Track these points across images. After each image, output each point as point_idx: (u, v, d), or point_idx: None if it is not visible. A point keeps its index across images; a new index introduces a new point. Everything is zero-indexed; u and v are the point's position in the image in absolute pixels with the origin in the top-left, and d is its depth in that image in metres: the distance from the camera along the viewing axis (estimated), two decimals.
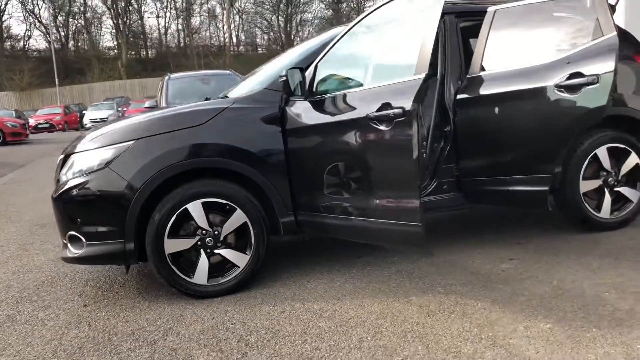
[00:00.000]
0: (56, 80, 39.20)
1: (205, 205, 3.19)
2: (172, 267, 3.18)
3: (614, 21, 3.27)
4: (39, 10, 49.66)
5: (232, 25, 52.97)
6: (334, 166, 3.23)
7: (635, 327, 2.49)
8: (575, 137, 3.52)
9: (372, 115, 2.90)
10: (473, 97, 3.66)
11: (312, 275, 3.50)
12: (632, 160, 3.84)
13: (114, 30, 50.94)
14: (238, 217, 3.24)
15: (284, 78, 3.26)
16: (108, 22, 51.48)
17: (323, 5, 54.23)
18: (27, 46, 49.81)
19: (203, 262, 3.21)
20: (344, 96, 3.20)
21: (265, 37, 55.88)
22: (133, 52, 51.57)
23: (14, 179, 10.19)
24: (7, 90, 41.74)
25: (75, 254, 3.22)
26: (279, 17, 53.48)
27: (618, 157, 3.83)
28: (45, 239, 5.11)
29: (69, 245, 3.27)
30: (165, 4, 52.06)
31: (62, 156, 3.51)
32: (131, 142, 3.17)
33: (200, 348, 2.63)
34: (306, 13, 54.26)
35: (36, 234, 5.36)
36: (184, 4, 51.90)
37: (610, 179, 3.83)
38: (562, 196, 3.71)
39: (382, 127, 2.88)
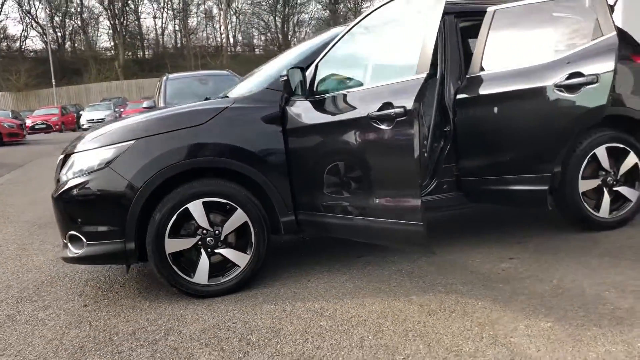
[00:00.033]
0: (53, 80, 39.10)
1: (205, 205, 3.19)
2: (173, 266, 3.18)
3: (613, 21, 3.29)
4: (36, 10, 49.47)
5: (229, 26, 53.00)
6: (334, 165, 3.24)
7: (635, 325, 2.50)
8: (574, 136, 3.53)
9: (374, 114, 2.91)
10: (473, 97, 3.67)
11: (313, 275, 3.51)
12: (630, 159, 3.86)
13: (110, 31, 50.88)
14: (239, 217, 3.24)
15: (285, 78, 3.27)
16: (105, 23, 51.45)
17: (320, 6, 54.29)
18: (23, 47, 49.71)
19: (204, 262, 3.21)
20: (345, 96, 3.21)
21: (263, 37, 55.91)
22: (130, 53, 51.48)
23: (12, 180, 10.16)
24: (3, 90, 41.64)
25: (76, 253, 3.22)
26: (276, 18, 53.49)
27: (617, 156, 3.84)
28: (44, 239, 5.10)
29: (69, 245, 3.26)
30: (162, 4, 52.03)
31: (62, 156, 3.50)
32: (132, 142, 3.17)
33: (202, 347, 2.63)
34: (303, 14, 54.33)
35: (35, 234, 5.35)
36: (180, 5, 51.88)
37: (609, 178, 3.84)
38: (561, 196, 3.72)
39: (383, 127, 2.88)
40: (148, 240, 3.14)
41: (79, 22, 50.84)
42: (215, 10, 53.34)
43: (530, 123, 3.49)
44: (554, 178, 3.53)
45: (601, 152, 3.78)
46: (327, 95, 3.29)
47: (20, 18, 49.40)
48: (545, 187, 3.48)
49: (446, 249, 3.75)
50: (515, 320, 2.64)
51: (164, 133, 3.21)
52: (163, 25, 53.18)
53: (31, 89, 42.00)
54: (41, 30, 48.67)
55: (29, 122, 28.10)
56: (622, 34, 3.79)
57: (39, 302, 3.43)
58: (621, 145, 3.83)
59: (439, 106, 3.78)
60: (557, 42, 3.50)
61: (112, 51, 50.72)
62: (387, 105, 2.85)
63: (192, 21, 53.74)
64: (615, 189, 3.85)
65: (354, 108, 3.10)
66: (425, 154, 3.65)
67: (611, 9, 3.40)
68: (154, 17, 54.38)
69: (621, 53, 3.33)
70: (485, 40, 3.71)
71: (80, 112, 32.12)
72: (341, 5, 53.67)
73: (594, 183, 3.82)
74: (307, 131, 3.33)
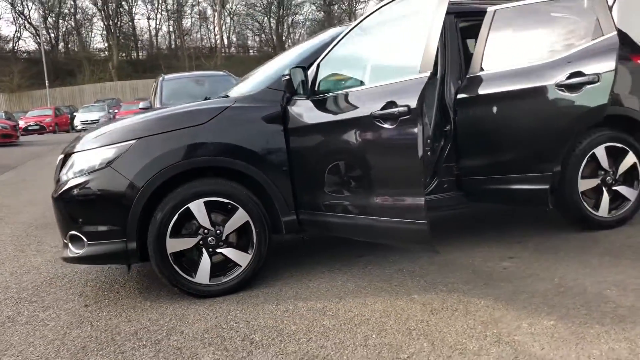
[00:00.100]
0: (46, 82, 38.96)
1: (207, 205, 3.18)
2: (174, 266, 3.17)
3: (613, 21, 3.31)
4: (29, 11, 49.26)
5: (224, 27, 52.94)
6: (336, 165, 3.24)
7: (638, 323, 2.51)
8: (575, 136, 3.55)
9: (377, 113, 2.91)
10: (473, 97, 3.69)
11: (314, 275, 3.51)
12: (629, 159, 3.88)
13: (104, 32, 50.71)
14: (240, 216, 3.24)
15: (287, 77, 3.27)
16: (99, 24, 51.25)
17: (314, 8, 54.36)
18: (16, 47, 49.47)
19: (205, 262, 3.20)
20: (347, 95, 3.21)
21: (257, 39, 55.89)
22: (124, 54, 51.33)
23: (6, 181, 10.11)
24: None
25: (77, 253, 3.20)
26: (271, 19, 53.48)
27: (616, 156, 3.86)
28: (42, 240, 5.07)
29: (69, 245, 3.25)
30: (156, 5, 51.92)
31: (61, 156, 3.49)
32: (133, 142, 3.16)
33: (205, 347, 2.62)
34: (298, 15, 54.37)
35: (32, 235, 5.32)
36: (175, 6, 51.77)
37: (608, 178, 3.86)
38: (560, 195, 3.74)
39: (386, 126, 2.89)
40: (149, 240, 3.13)
41: (73, 23, 50.70)
42: (209, 12, 53.37)
43: (531, 122, 3.50)
44: (555, 177, 3.54)
45: (600, 151, 3.80)
46: (328, 94, 3.29)
47: (13, 19, 49.11)
48: (546, 187, 3.49)
49: (446, 249, 3.75)
50: (518, 319, 2.65)
51: (166, 132, 3.20)
52: (157, 26, 53.13)
53: (24, 90, 41.82)
54: (34, 31, 48.48)
55: (22, 124, 27.95)
56: (620, 34, 3.80)
57: (38, 302, 3.42)
58: (620, 145, 3.85)
59: (440, 106, 3.79)
60: (558, 42, 3.51)
61: (106, 52, 50.56)
62: (391, 104, 2.86)
63: (186, 22, 53.70)
64: (614, 188, 3.87)
65: (357, 107, 3.11)
66: (429, 153, 3.65)
67: (609, 9, 3.42)
68: (148, 18, 54.41)
69: (620, 53, 3.34)
70: (486, 40, 3.72)
71: (74, 114, 32.02)
72: (335, 7, 53.80)
73: (593, 182, 3.83)
74: (309, 130, 3.33)
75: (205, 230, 3.20)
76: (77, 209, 3.20)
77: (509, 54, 3.67)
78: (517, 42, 3.70)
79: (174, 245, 3.15)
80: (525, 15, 3.69)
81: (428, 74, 2.72)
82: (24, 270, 4.14)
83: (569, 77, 3.37)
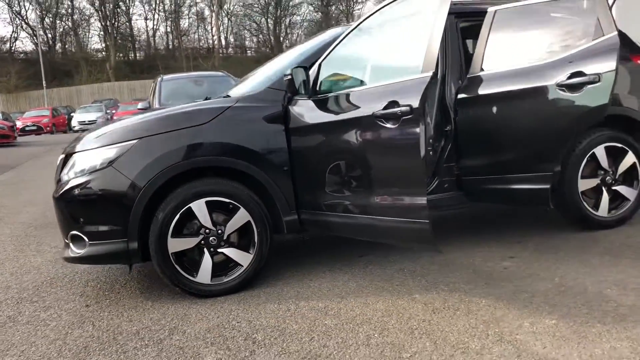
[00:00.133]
0: (43, 82, 38.90)
1: (208, 204, 3.18)
2: (176, 266, 3.17)
3: (614, 21, 3.32)
4: (26, 12, 49.15)
5: (221, 28, 52.91)
6: (338, 164, 3.24)
7: (639, 322, 2.51)
8: (575, 136, 3.56)
9: (379, 113, 2.92)
10: (474, 97, 3.70)
11: (315, 274, 3.51)
12: (629, 159, 3.89)
13: (102, 33, 50.61)
14: (241, 216, 3.24)
15: (289, 77, 3.27)
16: (96, 24, 51.17)
17: (312, 8, 54.38)
18: (13, 48, 49.33)
19: (206, 261, 3.20)
20: (349, 95, 3.22)
21: (255, 39, 55.88)
22: (121, 55, 51.26)
23: (4, 181, 10.08)
24: None
25: (78, 253, 3.20)
26: (268, 20, 53.48)
27: (615, 156, 3.88)
28: (41, 240, 5.07)
29: (71, 245, 3.25)
30: (154, 6, 51.85)
31: (62, 156, 3.48)
32: (135, 141, 3.16)
33: (207, 346, 2.63)
34: (295, 16, 54.36)
35: (31, 235, 5.31)
36: (172, 7, 51.73)
37: (607, 177, 3.87)
38: (560, 195, 3.75)
39: (388, 125, 2.89)
40: (151, 240, 3.13)
41: (70, 24, 50.58)
42: (207, 12, 53.31)
43: (532, 122, 3.52)
44: (555, 177, 3.56)
45: (600, 151, 3.81)
46: (330, 94, 3.30)
47: (10, 19, 48.93)
48: (547, 186, 3.51)
49: (447, 248, 3.76)
50: (519, 318, 2.65)
51: (167, 132, 3.20)
52: (154, 26, 53.04)
53: (21, 91, 41.75)
54: (31, 32, 48.35)
55: (19, 124, 27.92)
56: (620, 34, 3.82)
57: (39, 302, 3.41)
58: (620, 145, 3.86)
59: (440, 106, 3.80)
60: (558, 42, 3.53)
61: (104, 53, 50.49)
62: (393, 104, 2.86)
63: (184, 23, 53.64)
64: (614, 188, 3.88)
65: (358, 107, 3.11)
66: (431, 152, 3.66)
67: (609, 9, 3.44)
68: (146, 19, 54.07)
69: (620, 53, 3.36)
70: (486, 40, 3.73)
71: (72, 114, 31.97)
72: (333, 8, 53.80)
73: (593, 182, 3.84)
74: (311, 130, 3.34)
75: (207, 230, 3.20)
76: (78, 208, 3.20)
77: (510, 54, 3.68)
78: (518, 42, 3.72)
79: (175, 245, 3.16)
80: (526, 15, 3.71)
81: (430, 73, 2.72)
82: (24, 270, 4.14)
83: (569, 77, 3.39)
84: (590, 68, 3.32)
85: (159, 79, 9.33)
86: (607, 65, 3.28)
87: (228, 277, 3.26)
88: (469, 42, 4.04)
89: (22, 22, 49.14)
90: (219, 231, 3.21)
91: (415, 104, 2.74)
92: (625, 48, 3.92)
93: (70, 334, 2.89)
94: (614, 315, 2.60)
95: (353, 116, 3.12)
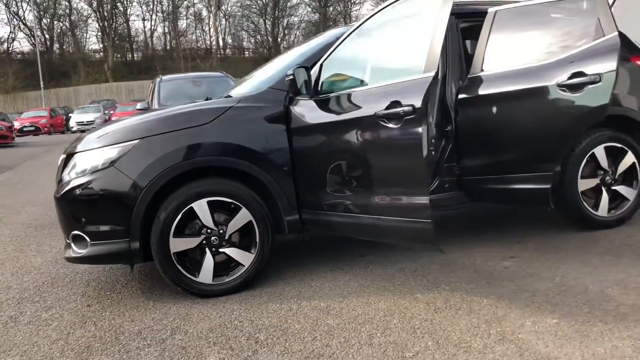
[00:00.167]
0: (41, 83, 38.82)
1: (210, 204, 3.19)
2: (178, 266, 3.17)
3: (614, 21, 3.34)
4: (24, 12, 49.17)
5: (219, 29, 52.88)
6: (340, 164, 3.25)
7: None
8: (576, 135, 3.57)
9: (381, 113, 2.93)
10: (475, 97, 3.71)
11: (316, 274, 3.52)
12: (628, 159, 3.90)
13: (99, 33, 50.59)
14: (243, 216, 3.24)
15: (291, 77, 3.27)
16: (94, 25, 51.14)
17: (310, 9, 54.44)
18: (11, 49, 49.24)
19: (208, 261, 3.21)
20: (351, 95, 3.23)
21: (252, 40, 55.89)
22: (119, 55, 51.21)
23: (3, 182, 10.07)
24: None
25: (79, 253, 3.20)
26: (266, 21, 53.52)
27: (615, 156, 3.89)
28: (41, 240, 5.06)
29: (72, 245, 3.24)
30: (152, 6, 51.84)
31: (63, 156, 3.48)
32: (136, 141, 3.16)
33: (210, 346, 2.63)
34: (293, 17, 54.41)
35: (31, 235, 5.30)
36: (170, 7, 51.73)
37: (607, 177, 3.88)
38: (560, 195, 3.76)
39: (390, 125, 2.90)
40: (153, 240, 3.14)
41: (68, 24, 50.54)
42: (204, 13, 53.34)
43: (533, 122, 3.53)
44: (556, 177, 3.57)
45: (600, 151, 3.82)
46: (332, 94, 3.31)
47: (8, 20, 48.87)
48: (548, 186, 3.52)
49: (447, 248, 3.76)
50: (521, 317, 2.66)
51: (169, 132, 3.20)
52: (152, 27, 53.22)
53: (19, 91, 41.67)
54: (29, 32, 48.29)
55: (17, 125, 27.84)
56: (620, 35, 3.83)
57: (40, 302, 3.41)
58: (619, 145, 3.88)
59: (441, 106, 3.81)
60: (559, 43, 3.54)
61: (101, 53, 50.45)
62: (395, 104, 2.87)
63: (182, 23, 53.67)
64: (613, 188, 3.90)
65: (360, 107, 3.12)
66: (433, 152, 3.67)
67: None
68: (143, 20, 54.30)
69: (620, 54, 3.37)
70: (487, 41, 3.74)
71: (70, 115, 31.93)
72: (331, 9, 53.85)
73: (592, 182, 3.86)
74: (312, 130, 3.35)
75: (209, 230, 3.20)
76: (80, 208, 3.20)
77: (510, 54, 3.69)
78: (518, 42, 3.73)
79: (177, 245, 3.16)
80: (526, 16, 3.72)
81: (433, 73, 2.73)
82: (24, 270, 4.13)
83: (570, 77, 3.40)
84: (591, 68, 3.34)
85: (158, 79, 9.33)
86: (607, 66, 3.30)
87: (230, 277, 3.26)
88: (470, 43, 4.05)
89: (20, 23, 49.14)
90: (221, 231, 3.22)
91: (418, 103, 2.75)
92: (625, 49, 3.93)
93: (72, 334, 2.89)
94: (615, 315, 2.61)
95: (355, 116, 3.13)
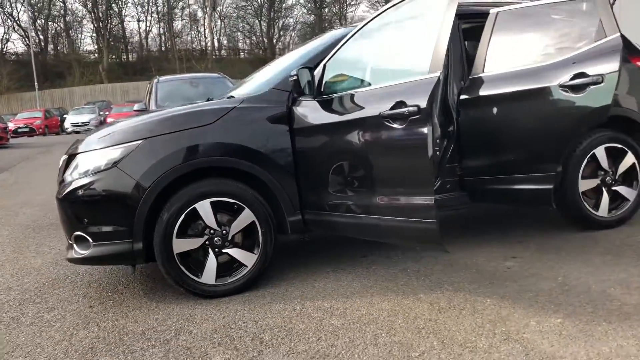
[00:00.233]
0: (35, 84, 38.64)
1: (213, 205, 3.18)
2: (181, 266, 3.16)
3: (616, 22, 3.36)
4: (18, 13, 48.88)
5: (214, 30, 52.82)
6: (343, 165, 3.25)
7: None
8: (576, 136, 3.59)
9: (386, 113, 2.93)
10: (477, 98, 3.72)
11: (319, 275, 3.52)
12: (628, 159, 3.93)
13: (94, 34, 50.42)
14: (246, 217, 3.24)
15: (295, 77, 3.27)
16: (88, 26, 50.95)
17: (305, 11, 54.44)
18: (5, 49, 49.02)
19: (211, 262, 3.20)
20: (354, 95, 3.23)
21: (248, 41, 55.85)
22: (114, 56, 51.06)
23: None
24: None
25: (82, 254, 3.19)
26: (262, 22, 53.48)
27: (615, 156, 3.91)
28: (40, 241, 5.04)
29: (74, 245, 3.23)
30: (147, 7, 51.73)
31: (65, 157, 3.47)
32: (139, 142, 3.15)
33: (215, 347, 2.62)
34: (288, 18, 54.38)
35: (30, 237, 5.28)
36: (165, 8, 51.62)
37: (607, 178, 3.90)
38: (561, 195, 3.77)
39: (395, 125, 2.90)
40: (156, 241, 3.13)
41: (62, 25, 50.34)
42: (200, 14, 53.23)
43: (535, 123, 3.55)
44: (558, 177, 3.59)
45: (600, 152, 3.84)
46: (335, 95, 3.31)
47: (2, 20, 48.63)
48: (550, 186, 3.53)
49: (450, 248, 3.75)
50: (525, 317, 2.67)
51: (172, 133, 3.20)
52: (147, 28, 52.91)
53: (13, 92, 41.46)
54: (23, 33, 48.04)
55: (11, 126, 27.70)
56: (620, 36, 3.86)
57: (42, 304, 3.40)
58: (619, 146, 3.90)
59: (442, 106, 3.81)
60: (561, 43, 3.56)
61: (96, 54, 50.28)
62: (400, 104, 2.87)
63: (177, 24, 53.52)
64: (613, 188, 3.92)
65: (364, 107, 3.12)
66: (438, 152, 3.68)
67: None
68: (138, 21, 54.22)
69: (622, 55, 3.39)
70: (488, 42, 3.76)
71: (64, 116, 31.80)
72: (326, 10, 53.88)
73: (593, 183, 3.88)
74: (315, 131, 3.35)
75: (212, 231, 3.20)
76: (82, 209, 3.19)
77: (512, 55, 3.71)
78: (520, 43, 3.74)
79: (180, 245, 3.15)
80: (528, 17, 3.73)
81: (438, 74, 2.74)
82: (24, 272, 4.11)
83: (572, 78, 3.42)
84: (593, 69, 3.36)
85: (155, 80, 9.32)
86: (610, 66, 3.32)
87: (232, 278, 3.26)
88: (470, 44, 4.05)
89: (14, 24, 48.89)
90: (224, 231, 3.21)
91: (423, 104, 2.75)
92: (625, 50, 3.95)
93: (76, 335, 2.88)
94: (619, 314, 2.62)
95: (359, 116, 3.13)
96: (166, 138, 3.18)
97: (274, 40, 53.58)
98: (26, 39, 46.95)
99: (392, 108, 2.91)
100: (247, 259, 3.27)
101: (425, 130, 2.75)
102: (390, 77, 3.15)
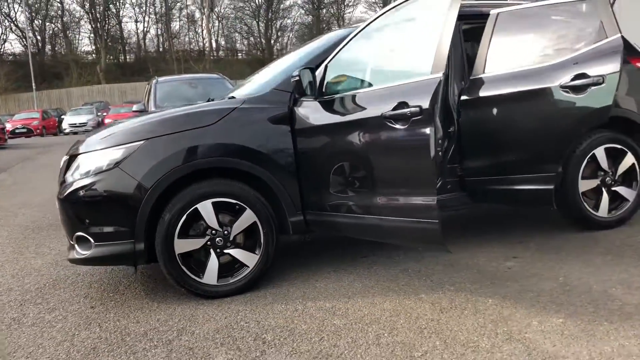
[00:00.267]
0: (33, 84, 38.56)
1: (215, 205, 3.18)
2: (182, 267, 3.16)
3: (617, 23, 3.37)
4: (15, 13, 48.82)
5: (212, 30, 52.77)
6: (345, 165, 3.25)
7: None
8: (577, 137, 3.60)
9: (388, 114, 2.94)
10: (477, 98, 3.73)
11: (320, 275, 3.52)
12: (628, 160, 3.94)
13: (92, 35, 50.32)
14: (248, 217, 3.24)
15: (297, 78, 3.27)
16: (86, 27, 50.83)
17: (303, 11, 54.44)
18: (2, 50, 48.90)
19: (213, 262, 3.21)
20: (357, 96, 3.24)
21: (245, 42, 55.82)
22: (112, 57, 50.97)
23: None
24: None
25: (83, 254, 3.19)
26: (259, 23, 53.45)
27: (615, 157, 3.92)
28: (40, 242, 5.03)
29: (76, 246, 3.23)
30: (144, 8, 51.66)
31: (66, 157, 3.46)
32: (141, 142, 3.16)
33: (217, 347, 2.63)
34: (286, 19, 54.36)
35: (29, 237, 5.27)
36: (163, 9, 51.57)
37: (607, 178, 3.92)
38: (562, 195, 3.78)
39: (397, 126, 2.91)
40: (157, 241, 3.13)
41: (60, 26, 50.20)
42: (197, 15, 53.16)
43: (536, 123, 3.56)
44: (559, 178, 3.60)
45: (600, 152, 3.85)
46: (337, 95, 3.32)
47: None
48: (551, 187, 3.54)
49: (450, 249, 3.76)
50: (527, 317, 2.68)
51: (174, 133, 3.20)
52: (145, 29, 52.84)
53: (10, 93, 41.36)
54: (21, 34, 47.96)
55: (9, 127, 27.63)
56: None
57: (43, 304, 3.39)
58: (619, 146, 3.91)
59: (443, 107, 3.82)
60: (561, 44, 3.57)
61: (94, 55, 50.19)
62: (402, 104, 2.88)
63: (175, 25, 53.45)
64: (613, 188, 3.93)
65: (366, 108, 3.13)
66: (440, 153, 3.68)
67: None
68: (136, 21, 54.07)
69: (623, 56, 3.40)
70: (489, 43, 3.76)
71: (62, 116, 31.74)
72: (324, 11, 53.89)
73: (593, 183, 3.89)
74: (317, 131, 3.35)
75: (213, 231, 3.20)
76: (84, 210, 3.18)
77: (512, 56, 3.72)
78: (521, 44, 3.75)
79: (182, 246, 3.15)
80: (528, 18, 3.74)
81: (440, 74, 2.74)
82: (24, 272, 4.11)
83: (573, 79, 3.44)
84: (594, 70, 3.37)
85: (154, 81, 9.31)
86: (611, 67, 3.34)
87: (234, 278, 3.26)
88: (472, 45, 4.06)
89: (11, 24, 48.76)
90: (225, 232, 3.22)
91: (426, 104, 2.76)
92: (625, 51, 3.97)
93: (78, 336, 2.88)
94: (620, 314, 2.63)
95: (361, 117, 3.13)
96: (168, 138, 3.19)
97: (272, 41, 53.59)
98: (23, 40, 46.85)
99: (394, 109, 2.92)
100: (249, 259, 3.27)
101: (427, 130, 2.76)
102: (392, 77, 3.15)
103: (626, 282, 3.01)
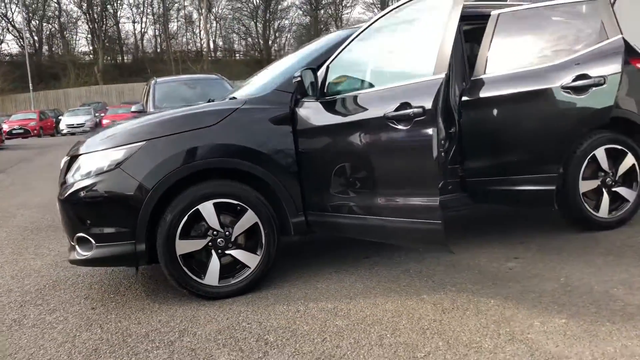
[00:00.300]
0: (30, 85, 38.47)
1: (216, 206, 3.18)
2: (184, 268, 3.16)
3: (618, 24, 3.37)
4: (12, 14, 48.63)
5: (210, 31, 52.74)
6: (347, 166, 3.25)
7: None
8: (577, 137, 3.61)
9: (390, 114, 2.94)
10: (478, 99, 3.73)
11: (321, 276, 3.51)
12: (628, 161, 3.94)
13: (89, 35, 50.26)
14: (249, 218, 3.24)
15: (298, 78, 3.27)
16: (83, 27, 50.74)
17: (301, 12, 54.47)
18: None
19: (214, 263, 3.20)
20: (359, 96, 3.24)
21: (243, 43, 55.82)
22: (109, 58, 50.90)
23: None
24: None
25: (84, 255, 3.18)
26: (257, 23, 53.45)
27: (615, 158, 3.93)
28: (39, 243, 5.02)
29: (77, 247, 3.22)
30: (142, 9, 51.61)
31: (66, 158, 3.46)
32: (143, 143, 3.15)
33: (220, 348, 2.62)
34: (284, 19, 54.39)
35: (29, 238, 5.26)
36: (160, 10, 51.52)
37: (608, 179, 3.92)
38: (562, 196, 3.78)
39: (400, 127, 2.91)
40: (159, 242, 3.12)
41: (57, 26, 50.12)
42: (195, 15, 53.12)
43: (537, 124, 3.56)
44: (560, 178, 3.60)
45: (600, 153, 3.86)
46: (338, 96, 3.31)
47: None
48: (553, 187, 3.55)
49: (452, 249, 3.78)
50: (529, 317, 2.68)
51: (176, 134, 3.19)
52: (143, 30, 52.79)
53: (7, 94, 41.27)
54: (17, 34, 47.85)
55: (6, 127, 27.56)
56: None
57: (44, 305, 3.38)
58: (619, 147, 3.92)
59: (444, 108, 3.82)
60: (562, 45, 3.57)
61: (91, 56, 50.13)
62: (405, 105, 2.88)
63: (173, 26, 53.38)
64: (613, 189, 3.93)
65: (368, 108, 3.13)
66: (443, 153, 3.68)
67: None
68: (134, 22, 53.94)
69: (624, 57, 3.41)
70: (490, 43, 3.77)
71: (59, 117, 31.69)
72: (322, 12, 53.92)
73: (593, 184, 3.89)
74: (319, 132, 3.35)
75: (215, 232, 3.19)
76: (85, 211, 3.18)
77: (514, 57, 3.72)
78: (522, 45, 3.76)
79: (183, 247, 3.15)
80: (529, 19, 3.75)
81: (443, 75, 2.75)
82: (24, 273, 4.10)
83: (575, 80, 3.44)
84: (596, 71, 3.38)
85: (153, 81, 9.30)
86: (612, 68, 3.34)
87: (235, 279, 3.25)
88: (472, 45, 4.07)
89: (8, 25, 48.63)
90: (227, 233, 3.21)
91: (428, 105, 2.76)
92: (625, 52, 3.98)
93: (79, 337, 2.87)
94: (622, 314, 2.64)
95: (363, 118, 3.13)
96: (169, 139, 3.18)
97: (270, 42, 53.61)
98: (20, 40, 46.83)
99: (396, 109, 2.92)
100: (250, 260, 3.27)
101: (430, 131, 2.76)
102: (394, 78, 3.15)
103: (627, 283, 3.01)
